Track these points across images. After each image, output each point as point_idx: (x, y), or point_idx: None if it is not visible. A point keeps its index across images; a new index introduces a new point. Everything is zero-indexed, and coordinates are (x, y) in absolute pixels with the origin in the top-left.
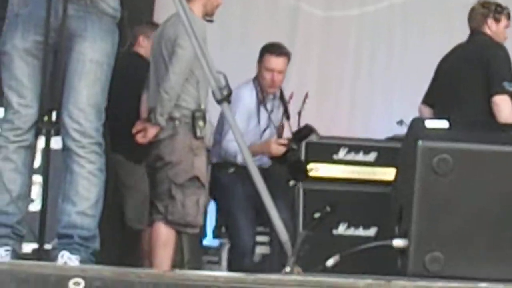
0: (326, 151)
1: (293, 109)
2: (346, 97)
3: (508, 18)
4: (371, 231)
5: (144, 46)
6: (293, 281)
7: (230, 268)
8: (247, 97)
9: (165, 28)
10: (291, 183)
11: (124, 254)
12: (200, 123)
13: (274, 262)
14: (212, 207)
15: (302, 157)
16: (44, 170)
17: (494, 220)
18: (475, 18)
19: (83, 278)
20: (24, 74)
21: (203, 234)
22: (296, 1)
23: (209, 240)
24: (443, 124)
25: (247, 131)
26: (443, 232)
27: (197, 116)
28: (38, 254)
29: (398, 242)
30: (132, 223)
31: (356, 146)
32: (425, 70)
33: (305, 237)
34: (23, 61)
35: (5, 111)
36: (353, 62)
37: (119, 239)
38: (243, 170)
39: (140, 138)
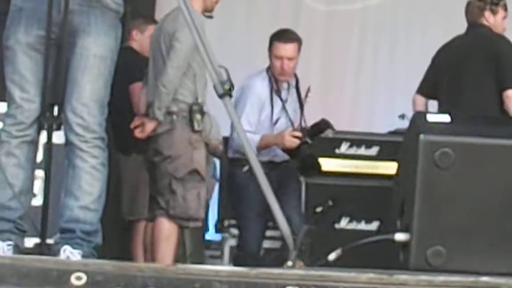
0: (328, 145)
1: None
2: (348, 92)
3: (505, 9)
4: (373, 225)
5: (137, 40)
6: (295, 275)
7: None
8: (258, 86)
9: (164, 22)
10: (301, 178)
11: (120, 247)
12: (198, 116)
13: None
14: (214, 202)
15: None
16: (46, 165)
17: (496, 214)
18: (472, 12)
19: (85, 272)
20: (27, 69)
21: (205, 228)
22: None
23: (211, 234)
24: (445, 118)
25: (260, 121)
26: (445, 226)
27: (194, 109)
28: (40, 249)
29: (400, 236)
30: (124, 215)
31: (358, 140)
32: (427, 64)
33: (307, 231)
34: (26, 56)
35: (8, 105)
36: (355, 56)
37: (121, 233)
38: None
39: (138, 133)
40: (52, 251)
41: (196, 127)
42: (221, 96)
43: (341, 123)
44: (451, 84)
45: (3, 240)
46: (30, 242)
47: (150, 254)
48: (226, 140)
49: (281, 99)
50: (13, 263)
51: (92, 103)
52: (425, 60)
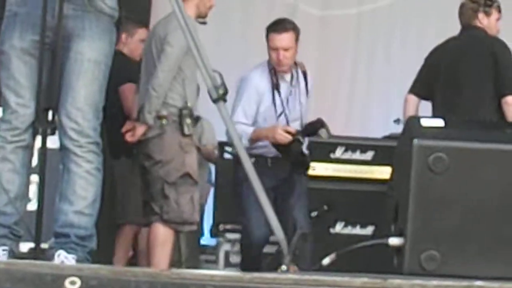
0: (323, 150)
1: None
2: (343, 96)
3: (499, 11)
4: (369, 230)
5: (126, 44)
6: (289, 280)
7: (241, 261)
8: (256, 78)
9: (157, 27)
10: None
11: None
12: (188, 120)
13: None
14: (209, 206)
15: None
16: (41, 170)
17: (490, 218)
18: (466, 14)
19: (79, 277)
20: (22, 74)
21: (200, 233)
22: (294, 0)
23: (206, 239)
24: (439, 122)
25: (260, 114)
26: (438, 230)
27: (184, 114)
28: (35, 253)
29: (394, 241)
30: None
31: (353, 145)
32: None
33: (301, 236)
34: (21, 61)
35: (3, 111)
36: (350, 61)
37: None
38: (259, 161)
39: (129, 137)
40: (47, 256)
41: (186, 131)
42: (215, 101)
43: (336, 128)
44: (447, 86)
45: None
46: (25, 246)
47: (145, 259)
48: (221, 145)
49: (278, 92)
50: (7, 268)
51: (87, 108)
52: (420, 65)
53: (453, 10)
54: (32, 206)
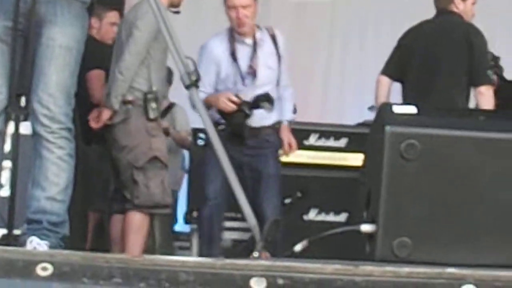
0: (296, 136)
1: None
2: (318, 84)
3: None
4: (342, 217)
5: (95, 27)
6: (260, 266)
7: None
8: (212, 46)
9: (128, 13)
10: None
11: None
12: (153, 105)
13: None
14: (183, 193)
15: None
16: (13, 156)
17: (462, 205)
18: None
19: (51, 263)
20: None
21: (174, 219)
22: None
23: (180, 226)
24: (411, 109)
25: (220, 81)
26: (411, 217)
27: (149, 98)
28: (7, 240)
29: (366, 227)
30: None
31: (327, 131)
32: None
33: (274, 222)
34: None
35: None
36: (325, 49)
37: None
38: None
39: (93, 123)
40: (19, 242)
41: (151, 115)
42: (187, 87)
43: (310, 115)
44: (421, 70)
45: None
46: None
47: (118, 247)
48: (195, 131)
49: (235, 58)
50: None
51: (58, 93)
52: None
53: None
54: (5, 192)
